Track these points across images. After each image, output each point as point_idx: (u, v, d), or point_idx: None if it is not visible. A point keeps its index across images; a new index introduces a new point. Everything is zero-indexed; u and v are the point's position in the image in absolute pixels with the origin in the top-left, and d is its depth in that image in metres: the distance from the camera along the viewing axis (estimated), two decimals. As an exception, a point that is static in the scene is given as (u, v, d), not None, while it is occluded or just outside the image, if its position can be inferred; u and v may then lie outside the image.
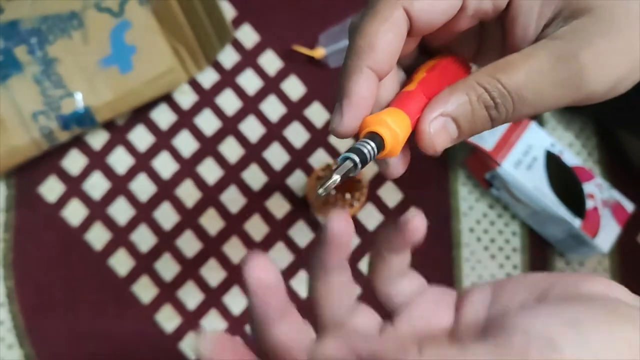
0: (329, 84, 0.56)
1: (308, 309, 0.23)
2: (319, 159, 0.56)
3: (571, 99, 0.23)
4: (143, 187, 0.54)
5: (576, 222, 0.52)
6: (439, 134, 0.23)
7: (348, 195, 0.48)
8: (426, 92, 0.24)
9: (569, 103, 0.24)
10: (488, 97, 0.23)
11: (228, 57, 0.56)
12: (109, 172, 0.54)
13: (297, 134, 0.56)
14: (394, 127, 0.22)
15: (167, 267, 0.53)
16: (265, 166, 0.55)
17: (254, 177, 0.55)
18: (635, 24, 0.23)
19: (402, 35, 0.23)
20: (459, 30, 0.25)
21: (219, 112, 0.55)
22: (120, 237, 0.53)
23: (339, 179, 0.21)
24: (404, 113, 0.23)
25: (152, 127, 0.55)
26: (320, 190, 0.22)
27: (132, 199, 0.54)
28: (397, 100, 0.24)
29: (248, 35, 0.57)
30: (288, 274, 0.54)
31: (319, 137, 0.56)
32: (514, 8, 0.24)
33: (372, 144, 0.22)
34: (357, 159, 0.21)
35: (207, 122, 0.55)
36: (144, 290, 0.53)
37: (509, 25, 0.25)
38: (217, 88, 0.56)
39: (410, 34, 0.23)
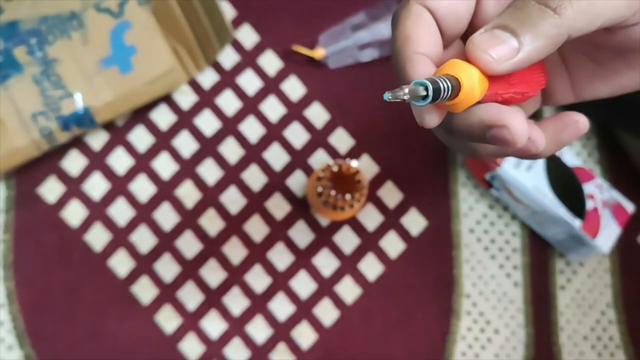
0: (328, 85, 0.57)
1: None
2: (319, 159, 0.56)
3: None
4: (143, 187, 0.54)
5: (576, 223, 0.52)
6: (494, 45, 0.21)
7: (348, 196, 0.48)
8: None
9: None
10: None
11: (228, 57, 0.56)
12: (108, 173, 0.54)
13: (297, 135, 0.56)
14: (473, 74, 0.21)
15: (167, 268, 0.53)
16: (265, 167, 0.55)
17: (254, 177, 0.55)
18: None
19: (430, 24, 0.23)
20: (491, 14, 0.24)
21: (218, 113, 0.55)
22: (120, 237, 0.53)
23: (408, 97, 0.20)
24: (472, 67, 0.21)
25: (152, 128, 0.55)
26: (389, 95, 0.20)
27: (132, 200, 0.54)
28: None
29: (248, 36, 0.56)
30: (288, 274, 0.54)
31: (318, 138, 0.56)
32: None
33: (446, 82, 0.20)
34: (430, 87, 0.20)
35: (207, 123, 0.55)
36: (144, 291, 0.53)
37: None
38: (217, 88, 0.56)
39: (444, 36, 0.24)
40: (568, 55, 0.26)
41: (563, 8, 0.20)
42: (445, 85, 0.20)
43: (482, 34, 0.21)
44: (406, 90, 0.20)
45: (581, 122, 0.23)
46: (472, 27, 0.24)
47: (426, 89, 0.20)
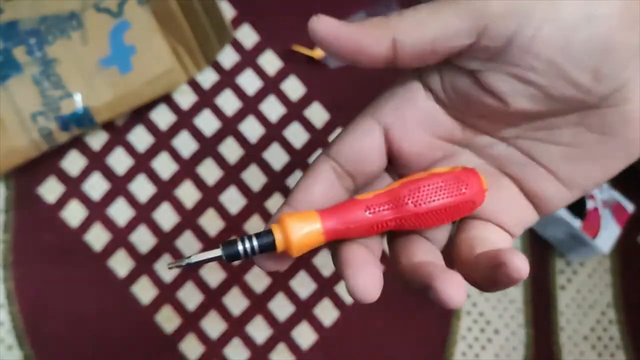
0: (328, 84, 0.57)
1: None
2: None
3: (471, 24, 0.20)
4: (142, 187, 0.54)
5: (576, 223, 0.52)
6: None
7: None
8: (372, 205, 0.22)
9: (474, 28, 0.21)
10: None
11: (228, 57, 0.56)
12: (108, 173, 0.54)
13: (296, 134, 0.56)
14: (293, 229, 0.21)
15: (167, 268, 0.53)
16: (265, 166, 0.55)
17: (254, 177, 0.55)
18: None
19: (326, 176, 0.24)
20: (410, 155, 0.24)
21: (218, 113, 0.55)
22: (120, 237, 0.53)
23: (192, 262, 0.21)
24: (315, 215, 0.22)
25: (152, 128, 0.55)
26: (170, 265, 0.21)
27: (131, 200, 0.54)
28: (336, 205, 0.23)
29: (248, 36, 0.56)
30: (288, 274, 0.54)
31: (318, 138, 0.56)
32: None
33: (255, 242, 0.21)
34: (227, 248, 0.21)
35: (207, 123, 0.55)
36: (144, 291, 0.53)
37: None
38: (217, 88, 0.56)
39: (357, 178, 0.24)
40: (535, 154, 0.24)
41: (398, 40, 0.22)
42: (249, 245, 0.21)
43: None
44: (190, 259, 0.21)
45: (517, 269, 0.20)
46: (396, 161, 0.24)
47: (220, 253, 0.21)
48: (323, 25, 0.24)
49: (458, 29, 0.21)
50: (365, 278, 0.22)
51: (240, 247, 0.21)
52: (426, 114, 0.23)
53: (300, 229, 0.21)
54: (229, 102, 0.56)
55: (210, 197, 0.54)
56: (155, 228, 0.54)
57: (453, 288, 0.20)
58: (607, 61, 0.20)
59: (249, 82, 0.56)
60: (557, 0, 0.20)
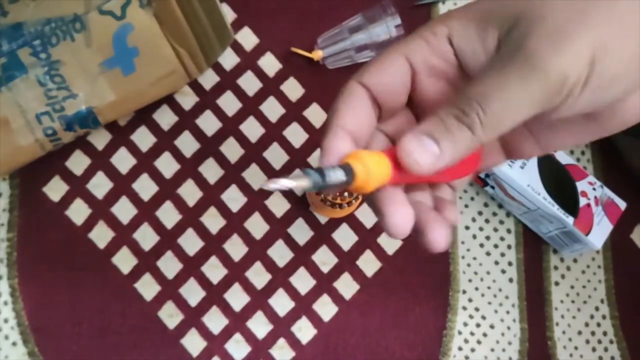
0: (327, 86, 0.57)
1: None
2: (318, 158, 0.57)
3: (539, 89, 0.22)
4: (145, 186, 0.55)
5: (569, 220, 0.53)
6: (418, 151, 0.23)
7: (346, 194, 0.49)
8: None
9: (541, 93, 0.22)
10: (455, 108, 0.23)
11: (228, 59, 0.57)
12: (112, 172, 0.55)
13: (296, 134, 0.57)
14: (369, 163, 0.23)
15: (169, 265, 0.54)
16: (265, 166, 0.56)
17: (254, 176, 0.56)
18: (566, 6, 0.22)
19: (362, 100, 0.26)
20: (430, 90, 0.26)
21: (219, 113, 0.56)
22: (123, 235, 0.54)
23: (291, 186, 0.22)
24: (386, 158, 0.23)
25: (154, 128, 0.56)
26: (264, 185, 0.22)
27: (134, 199, 0.55)
28: (385, 150, 0.25)
29: (248, 38, 0.57)
30: (288, 270, 0.55)
31: (317, 137, 0.57)
32: (463, 57, 0.25)
33: (340, 172, 0.22)
34: (312, 178, 0.22)
35: (208, 123, 0.56)
36: (147, 288, 0.53)
37: (466, 71, 0.26)
38: (218, 89, 0.57)
39: (382, 111, 0.26)
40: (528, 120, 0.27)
41: (475, 126, 0.23)
42: (334, 175, 0.22)
43: (409, 140, 0.23)
44: (285, 182, 0.22)
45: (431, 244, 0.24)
46: (412, 99, 0.27)
47: (309, 177, 0.22)
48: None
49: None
50: (402, 216, 0.24)
51: (328, 174, 0.22)
52: (450, 67, 0.26)
53: (376, 168, 0.23)
54: (229, 103, 0.57)
55: (211, 195, 0.55)
56: (157, 226, 0.54)
57: (441, 236, 0.24)
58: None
59: (249, 83, 0.57)
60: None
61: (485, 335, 0.57)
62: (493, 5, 0.24)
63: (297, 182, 0.22)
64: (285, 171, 0.56)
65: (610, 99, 0.23)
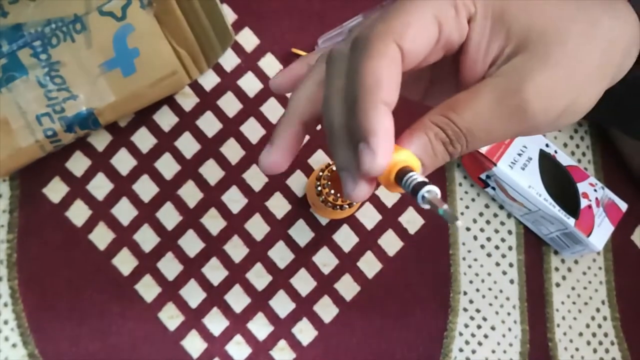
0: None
1: None
2: (319, 159, 0.57)
3: (518, 131, 0.25)
4: (146, 187, 0.55)
5: (570, 221, 0.53)
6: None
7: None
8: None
9: (517, 134, 0.26)
10: (444, 134, 0.25)
11: (229, 60, 0.57)
12: (112, 173, 0.55)
13: (296, 135, 0.57)
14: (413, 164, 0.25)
15: (170, 266, 0.54)
16: (265, 167, 0.56)
17: (255, 177, 0.56)
18: (571, 57, 0.24)
19: (400, 69, 0.24)
20: (427, 63, 0.26)
21: (220, 114, 0.56)
22: (124, 237, 0.54)
23: (443, 208, 0.23)
24: (409, 152, 0.25)
25: (155, 129, 0.56)
26: (426, 206, 0.23)
27: (135, 200, 0.54)
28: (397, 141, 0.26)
29: (248, 39, 0.57)
30: (289, 272, 0.55)
31: (318, 138, 0.57)
32: (467, 44, 0.26)
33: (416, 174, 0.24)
34: (433, 188, 0.23)
35: (209, 124, 0.56)
36: (147, 289, 0.53)
37: (461, 62, 0.26)
38: (218, 90, 0.57)
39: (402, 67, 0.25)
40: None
41: (456, 154, 0.26)
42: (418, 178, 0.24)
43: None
44: (444, 207, 0.23)
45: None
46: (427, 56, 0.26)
47: (433, 190, 0.24)
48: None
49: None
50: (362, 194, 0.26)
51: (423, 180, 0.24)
52: (456, 44, 0.26)
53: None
54: (230, 104, 0.57)
55: (212, 196, 0.55)
56: (158, 227, 0.54)
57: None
58: None
59: (250, 84, 0.57)
60: None
61: (486, 336, 0.57)
62: (514, 7, 0.25)
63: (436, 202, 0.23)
64: (286, 172, 0.56)
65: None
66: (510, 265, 0.58)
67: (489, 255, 0.58)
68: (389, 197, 0.57)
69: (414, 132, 0.25)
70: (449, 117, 0.24)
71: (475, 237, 0.58)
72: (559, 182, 0.54)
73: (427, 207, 0.23)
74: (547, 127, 0.25)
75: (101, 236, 0.54)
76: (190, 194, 0.55)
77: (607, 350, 0.58)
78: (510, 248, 0.58)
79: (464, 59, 0.26)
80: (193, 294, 0.54)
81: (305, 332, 0.54)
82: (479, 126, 0.24)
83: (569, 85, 0.25)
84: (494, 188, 0.56)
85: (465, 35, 0.26)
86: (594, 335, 0.58)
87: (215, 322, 0.54)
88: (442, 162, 0.26)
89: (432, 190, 0.23)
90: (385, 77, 0.23)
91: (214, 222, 0.55)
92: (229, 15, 0.57)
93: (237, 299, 0.54)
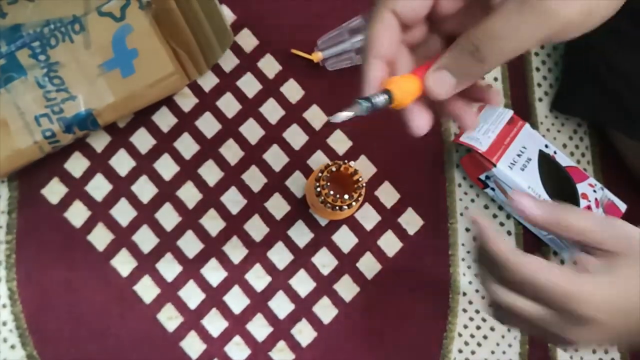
0: (326, 87, 0.57)
1: None
2: (318, 160, 0.57)
3: (546, 32, 0.27)
4: (145, 188, 0.55)
5: (570, 221, 0.53)
6: (438, 82, 0.30)
7: (347, 196, 0.49)
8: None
9: (547, 36, 0.27)
10: (469, 44, 0.28)
11: (228, 61, 0.57)
12: (111, 174, 0.54)
13: (295, 136, 0.57)
14: (402, 85, 0.30)
15: (169, 267, 0.54)
16: (264, 168, 0.56)
17: (254, 178, 0.56)
18: None
19: (395, 30, 0.31)
20: (448, 12, 0.31)
21: (219, 115, 0.56)
22: (123, 237, 0.54)
23: (351, 115, 0.29)
24: (414, 76, 0.30)
25: (154, 130, 0.55)
26: (331, 118, 0.29)
27: (134, 201, 0.54)
28: (413, 70, 0.31)
29: (247, 40, 0.57)
30: (288, 273, 0.55)
31: (317, 139, 0.57)
32: None
33: (383, 96, 0.29)
34: (363, 105, 0.29)
35: (208, 125, 0.56)
36: (146, 290, 0.53)
37: None
38: (218, 91, 0.57)
39: (404, 27, 0.31)
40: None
41: (486, 60, 0.28)
42: (381, 99, 0.29)
43: (433, 75, 0.30)
44: (348, 114, 0.29)
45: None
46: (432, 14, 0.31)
47: (360, 103, 0.29)
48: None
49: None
50: (420, 120, 0.31)
51: (373, 99, 0.29)
52: None
53: (409, 88, 0.30)
54: (229, 105, 0.56)
55: (211, 197, 0.55)
56: (157, 228, 0.54)
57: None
58: None
59: (249, 85, 0.57)
60: None
61: (485, 337, 0.57)
62: None
63: (353, 112, 0.29)
64: (286, 172, 0.56)
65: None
66: (510, 266, 0.58)
67: (488, 256, 0.58)
68: (388, 198, 0.57)
69: (444, 52, 0.30)
70: (473, 32, 0.28)
71: (474, 238, 0.58)
72: (559, 182, 0.54)
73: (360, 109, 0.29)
74: (576, 27, 0.27)
75: (100, 237, 0.54)
76: (189, 194, 0.55)
77: (606, 351, 0.58)
78: (509, 249, 0.58)
79: None
80: (192, 295, 0.54)
81: (304, 333, 0.54)
82: (504, 29, 0.27)
83: None
84: (493, 189, 0.56)
85: None
86: (593, 336, 0.58)
87: (215, 323, 0.54)
88: (474, 71, 0.29)
89: (361, 103, 0.29)
90: (377, 38, 0.30)
91: (213, 223, 0.55)
92: (228, 16, 0.57)
93: (236, 300, 0.54)
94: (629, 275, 0.32)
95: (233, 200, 0.55)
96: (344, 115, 0.28)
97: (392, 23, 0.30)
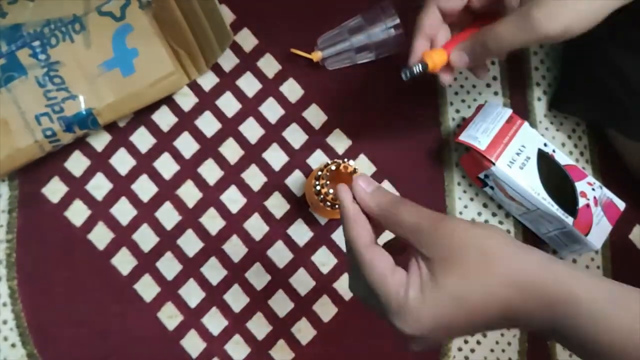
0: (326, 87, 0.58)
1: None
2: (317, 159, 0.57)
3: (535, 39, 0.39)
4: (145, 187, 0.55)
5: (569, 220, 0.53)
6: (457, 59, 0.44)
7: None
8: (458, 40, 0.45)
9: (535, 41, 0.39)
10: (481, 39, 0.42)
11: (228, 60, 0.57)
12: (111, 173, 0.55)
13: (295, 135, 0.57)
14: (434, 57, 0.44)
15: (169, 266, 0.54)
16: (264, 167, 0.56)
17: (254, 177, 0.56)
18: None
19: (437, 19, 0.45)
20: (477, 6, 0.44)
21: (219, 114, 0.56)
22: (123, 236, 0.54)
23: (408, 75, 0.44)
24: (443, 51, 0.44)
25: (154, 129, 0.56)
26: (408, 74, 0.44)
27: (134, 200, 0.55)
28: (445, 44, 0.45)
29: (247, 39, 0.58)
30: (287, 271, 0.55)
31: (317, 138, 0.57)
32: None
33: (420, 65, 0.44)
34: (407, 70, 0.44)
35: (208, 124, 0.56)
36: (147, 289, 0.53)
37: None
38: (217, 91, 0.57)
39: (445, 16, 0.45)
40: None
41: (490, 51, 0.43)
42: (419, 67, 0.44)
43: (455, 53, 0.44)
44: (406, 73, 0.44)
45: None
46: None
47: (405, 71, 0.44)
48: None
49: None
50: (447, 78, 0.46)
51: (414, 68, 0.44)
52: None
53: (438, 59, 0.44)
54: (229, 104, 0.57)
55: (211, 196, 0.55)
56: (157, 227, 0.54)
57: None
58: None
59: (249, 84, 0.57)
60: None
61: (484, 335, 0.57)
62: None
63: (405, 74, 0.44)
64: (285, 172, 0.56)
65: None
66: (509, 264, 0.58)
67: (487, 254, 0.58)
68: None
69: (464, 41, 0.44)
70: (482, 33, 0.42)
71: (473, 237, 0.58)
72: (557, 181, 0.54)
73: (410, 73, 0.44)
74: (554, 38, 0.39)
75: (100, 236, 0.54)
76: (189, 193, 0.55)
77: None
78: (508, 247, 0.58)
79: None
80: (192, 293, 0.54)
81: (304, 331, 0.55)
82: (506, 35, 0.40)
83: (572, 8, 0.38)
84: (492, 187, 0.56)
85: None
86: (592, 334, 0.58)
87: (215, 322, 0.54)
88: (483, 56, 0.43)
89: (413, 67, 0.44)
90: (424, 24, 0.44)
91: (213, 221, 0.55)
92: (228, 15, 0.58)
93: (236, 299, 0.54)
94: (446, 284, 0.30)
95: (233, 199, 0.55)
96: (409, 73, 0.44)
97: (436, 13, 0.44)
